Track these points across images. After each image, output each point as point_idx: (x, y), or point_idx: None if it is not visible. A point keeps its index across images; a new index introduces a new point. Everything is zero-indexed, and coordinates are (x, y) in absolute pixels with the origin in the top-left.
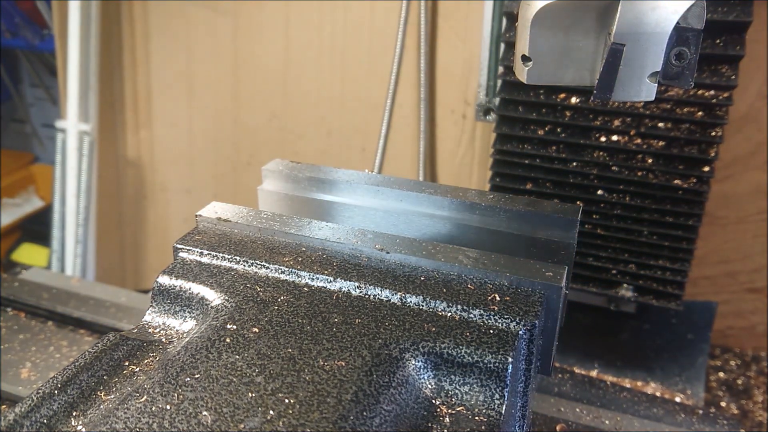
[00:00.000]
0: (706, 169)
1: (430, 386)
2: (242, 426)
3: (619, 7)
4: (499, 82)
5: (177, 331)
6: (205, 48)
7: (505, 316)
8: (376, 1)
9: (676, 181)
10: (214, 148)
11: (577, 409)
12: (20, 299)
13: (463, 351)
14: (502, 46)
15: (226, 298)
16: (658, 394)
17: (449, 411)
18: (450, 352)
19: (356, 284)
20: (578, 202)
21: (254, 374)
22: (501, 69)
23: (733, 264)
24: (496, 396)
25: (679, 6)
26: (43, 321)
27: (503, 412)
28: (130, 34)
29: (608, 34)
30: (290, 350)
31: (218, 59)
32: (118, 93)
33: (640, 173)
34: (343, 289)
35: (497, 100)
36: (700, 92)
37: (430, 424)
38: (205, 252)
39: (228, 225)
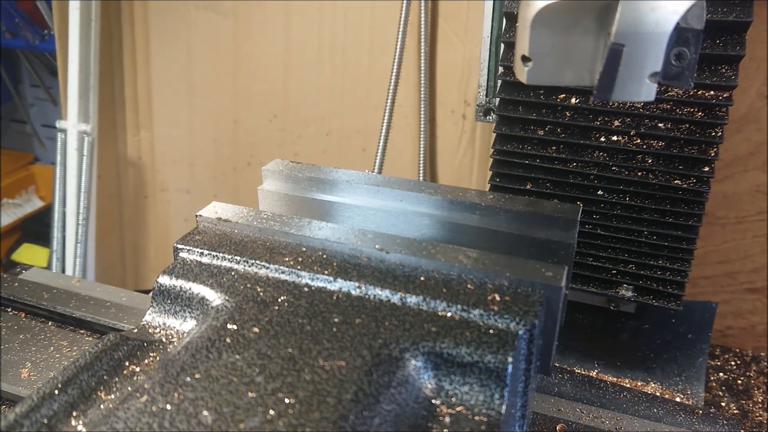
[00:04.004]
0: (706, 169)
1: (430, 386)
2: (242, 426)
3: (619, 7)
4: (499, 82)
5: (177, 331)
6: (205, 48)
7: (505, 316)
8: (376, 1)
9: (676, 182)
10: (214, 148)
11: (577, 409)
12: (20, 299)
13: (463, 351)
14: (502, 46)
15: (227, 298)
16: (658, 394)
17: (449, 411)
18: (450, 352)
19: (356, 284)
20: (578, 202)
21: (254, 374)
22: (501, 69)
23: (732, 264)
24: (496, 396)
25: (679, 6)
26: (43, 321)
27: (503, 411)
28: (130, 34)
29: (608, 34)
30: (290, 350)
31: (218, 59)
32: (118, 93)
33: (640, 173)
34: (343, 289)
35: (497, 101)
36: (700, 92)
37: (430, 424)
38: (206, 252)
39: (228, 225)
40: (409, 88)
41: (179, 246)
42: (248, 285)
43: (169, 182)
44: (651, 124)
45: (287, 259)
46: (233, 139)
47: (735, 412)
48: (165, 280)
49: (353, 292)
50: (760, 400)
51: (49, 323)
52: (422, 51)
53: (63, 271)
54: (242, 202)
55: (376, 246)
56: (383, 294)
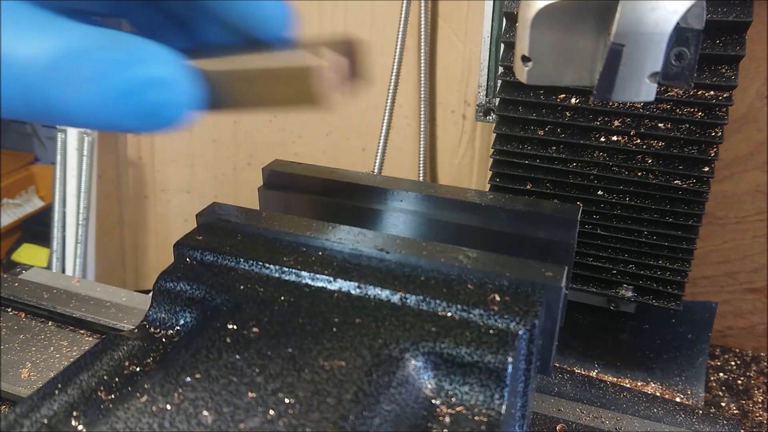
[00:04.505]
0: (706, 169)
1: (430, 386)
2: (242, 426)
3: (619, 8)
4: (499, 83)
5: (177, 331)
6: None
7: (505, 316)
8: (376, 1)
9: (675, 182)
10: (214, 148)
11: (577, 409)
12: (20, 299)
13: (463, 351)
14: (502, 46)
15: (226, 298)
16: (658, 394)
17: (449, 411)
18: (450, 352)
19: (356, 284)
20: (578, 203)
21: (254, 374)
22: (501, 69)
23: (732, 264)
24: (496, 396)
25: (679, 6)
26: (43, 321)
27: (503, 412)
28: None
29: (608, 34)
30: (290, 350)
31: None
32: None
33: (640, 173)
34: (343, 289)
35: (497, 101)
36: (699, 92)
37: (429, 424)
38: (206, 252)
39: (228, 225)
40: (409, 88)
41: (179, 246)
42: (248, 285)
43: (169, 182)
44: (651, 124)
45: (287, 259)
46: (233, 139)
47: (735, 412)
48: (165, 280)
49: (353, 292)
50: (760, 400)
51: (49, 323)
52: (422, 51)
53: (63, 271)
54: (242, 202)
55: (376, 246)
56: (383, 294)
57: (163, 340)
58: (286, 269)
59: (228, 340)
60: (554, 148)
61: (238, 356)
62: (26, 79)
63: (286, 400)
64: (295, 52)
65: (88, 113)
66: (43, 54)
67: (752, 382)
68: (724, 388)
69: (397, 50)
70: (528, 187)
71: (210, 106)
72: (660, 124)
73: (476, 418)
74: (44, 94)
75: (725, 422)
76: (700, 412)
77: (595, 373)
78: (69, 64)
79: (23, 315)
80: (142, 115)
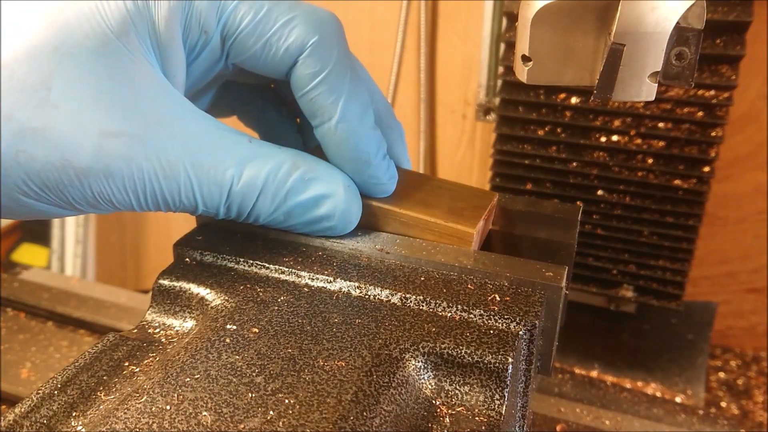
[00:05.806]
0: (707, 169)
1: (430, 386)
2: (242, 426)
3: (619, 7)
4: (499, 82)
5: (177, 331)
6: None
7: (506, 317)
8: (376, 1)
9: (676, 182)
10: None
11: (578, 410)
12: (20, 299)
13: (463, 351)
14: (502, 46)
15: (226, 298)
16: (658, 394)
17: (449, 411)
18: (450, 352)
19: (356, 284)
20: (578, 202)
21: (254, 374)
22: (501, 69)
23: (733, 264)
24: (497, 396)
25: (680, 6)
26: (43, 321)
27: (503, 412)
28: None
29: (608, 34)
30: (290, 350)
31: None
32: None
33: (640, 173)
34: (343, 289)
35: (497, 100)
36: (700, 92)
37: (430, 425)
38: (205, 252)
39: (228, 225)
40: (409, 88)
41: (179, 246)
42: (248, 285)
43: None
44: (651, 124)
45: (287, 259)
46: None
47: (735, 412)
48: (165, 280)
49: (353, 292)
50: (760, 401)
51: (49, 323)
52: (422, 51)
53: (63, 271)
54: None
55: (377, 246)
56: (383, 294)
57: (163, 340)
58: (285, 269)
59: (228, 340)
60: (554, 148)
61: (237, 356)
62: (231, 196)
63: (286, 401)
64: (450, 210)
65: (271, 220)
66: (246, 175)
67: (752, 382)
68: (724, 388)
69: (397, 50)
70: (528, 187)
71: (364, 225)
72: (660, 124)
73: (476, 418)
74: (242, 203)
75: (725, 422)
76: (701, 412)
77: (595, 374)
78: (264, 183)
79: (23, 315)
80: (310, 222)
